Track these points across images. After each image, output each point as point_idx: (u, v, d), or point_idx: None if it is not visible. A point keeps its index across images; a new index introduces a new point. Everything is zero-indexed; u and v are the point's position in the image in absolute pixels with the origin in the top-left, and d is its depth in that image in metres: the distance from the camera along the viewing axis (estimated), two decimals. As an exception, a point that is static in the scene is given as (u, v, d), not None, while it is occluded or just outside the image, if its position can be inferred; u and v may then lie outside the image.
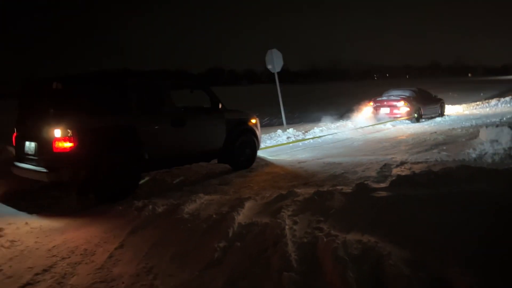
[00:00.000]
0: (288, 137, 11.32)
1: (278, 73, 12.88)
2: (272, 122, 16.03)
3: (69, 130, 5.00)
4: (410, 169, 6.00)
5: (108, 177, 5.27)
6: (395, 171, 6.01)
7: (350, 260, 2.72)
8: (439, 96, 16.96)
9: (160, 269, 3.17)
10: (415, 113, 14.63)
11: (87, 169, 5.11)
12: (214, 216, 3.95)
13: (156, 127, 5.90)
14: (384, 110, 14.85)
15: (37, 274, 3.25)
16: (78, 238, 3.98)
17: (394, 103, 14.77)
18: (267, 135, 11.37)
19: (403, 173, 5.62)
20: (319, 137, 11.40)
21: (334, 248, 2.89)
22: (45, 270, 3.31)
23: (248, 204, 4.28)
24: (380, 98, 15.48)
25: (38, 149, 5.32)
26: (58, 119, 5.10)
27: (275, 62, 12.70)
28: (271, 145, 10.20)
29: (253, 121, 7.36)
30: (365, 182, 4.80)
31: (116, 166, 5.37)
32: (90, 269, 3.28)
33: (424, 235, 3.03)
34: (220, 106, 6.81)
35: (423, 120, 15.04)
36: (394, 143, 9.66)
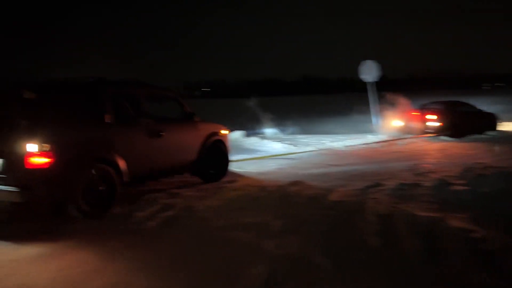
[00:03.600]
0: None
1: (377, 81, 15.02)
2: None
3: (46, 144, 4.62)
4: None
5: (86, 193, 4.99)
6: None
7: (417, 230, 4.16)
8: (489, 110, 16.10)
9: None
10: (452, 127, 13.46)
11: (65, 186, 4.79)
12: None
13: (133, 138, 5.72)
14: (415, 123, 13.81)
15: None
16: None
17: (427, 115, 13.72)
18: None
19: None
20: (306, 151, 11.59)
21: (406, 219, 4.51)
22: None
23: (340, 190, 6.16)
24: (415, 109, 14.50)
25: (7, 166, 4.78)
26: (32, 132, 4.71)
27: (369, 72, 14.79)
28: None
29: (223, 132, 7.41)
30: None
31: (95, 181, 5.11)
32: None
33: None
34: (193, 117, 6.78)
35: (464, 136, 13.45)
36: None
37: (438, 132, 13.51)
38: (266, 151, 11.91)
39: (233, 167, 7.87)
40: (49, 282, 3.41)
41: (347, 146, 12.41)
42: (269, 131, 16.38)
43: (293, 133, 16.38)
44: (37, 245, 4.25)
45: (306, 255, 3.75)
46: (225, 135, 7.41)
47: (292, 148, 12.09)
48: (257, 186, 6.65)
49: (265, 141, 13.51)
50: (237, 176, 7.61)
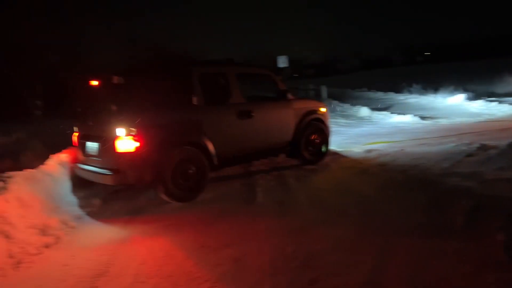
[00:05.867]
0: None
1: None
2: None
3: (134, 129, 4.61)
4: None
5: (175, 176, 4.87)
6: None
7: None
8: None
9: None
10: None
11: (154, 169, 4.71)
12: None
13: (222, 120, 5.48)
14: None
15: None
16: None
17: None
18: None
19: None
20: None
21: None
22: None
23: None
24: None
25: (101, 149, 4.92)
26: (122, 117, 4.75)
27: None
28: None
29: (322, 110, 6.84)
30: None
31: (184, 164, 4.96)
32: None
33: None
34: (287, 95, 6.33)
35: None
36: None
37: None
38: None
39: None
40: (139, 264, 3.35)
41: None
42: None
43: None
44: (129, 227, 4.28)
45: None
46: (323, 113, 6.80)
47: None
48: (342, 171, 6.04)
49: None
50: (331, 159, 6.81)
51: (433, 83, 19.38)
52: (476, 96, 14.75)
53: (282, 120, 6.23)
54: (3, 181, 4.53)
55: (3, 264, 3.37)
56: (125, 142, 4.60)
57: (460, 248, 3.13)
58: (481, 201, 3.89)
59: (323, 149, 6.67)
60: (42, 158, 5.58)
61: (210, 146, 5.20)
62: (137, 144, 4.61)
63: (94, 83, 5.53)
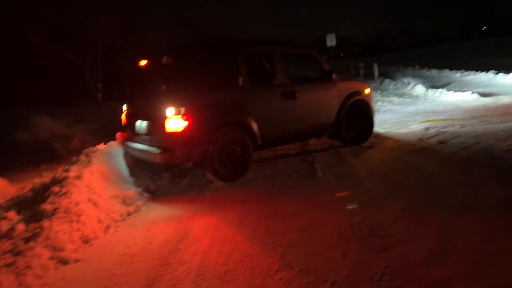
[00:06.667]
0: None
1: None
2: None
3: (183, 108, 4.73)
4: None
5: (222, 156, 5.02)
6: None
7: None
8: None
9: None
10: None
11: (201, 149, 4.84)
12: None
13: (267, 101, 5.55)
14: None
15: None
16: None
17: None
18: None
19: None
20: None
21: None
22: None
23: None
24: None
25: (150, 128, 5.07)
26: (170, 97, 4.93)
27: None
28: None
29: (367, 91, 6.78)
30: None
31: (230, 144, 5.12)
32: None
33: None
34: (332, 75, 6.33)
35: None
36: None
37: None
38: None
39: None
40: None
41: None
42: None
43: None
44: (196, 202, 4.50)
45: None
46: (368, 94, 6.73)
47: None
48: (399, 148, 6.00)
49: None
50: (383, 138, 6.82)
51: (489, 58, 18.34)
52: None
53: (325, 101, 6.22)
54: (86, 155, 4.99)
55: (95, 228, 3.79)
56: (174, 121, 4.73)
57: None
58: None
59: (368, 130, 6.63)
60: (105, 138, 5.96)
61: (255, 127, 5.28)
62: (186, 123, 4.73)
63: (144, 63, 5.74)
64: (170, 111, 4.76)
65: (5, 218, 3.80)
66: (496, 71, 15.03)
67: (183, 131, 4.76)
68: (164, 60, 5.26)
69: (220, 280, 2.80)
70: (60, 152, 7.48)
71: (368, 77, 16.21)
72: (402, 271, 2.66)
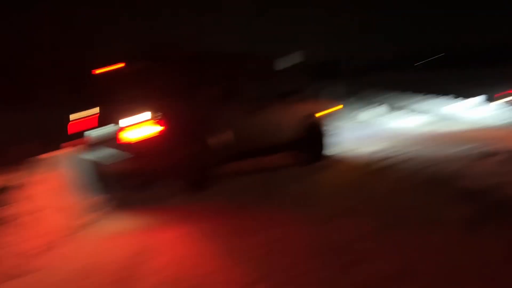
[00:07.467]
0: None
1: None
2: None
3: (157, 114, 4.71)
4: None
5: (193, 166, 5.01)
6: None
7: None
8: None
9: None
10: None
11: (173, 157, 4.82)
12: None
13: (239, 113, 5.61)
14: None
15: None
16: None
17: None
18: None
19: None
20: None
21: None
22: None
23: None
24: None
25: (115, 134, 4.93)
26: (142, 102, 4.84)
27: None
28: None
29: (329, 111, 6.97)
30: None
31: (202, 154, 5.11)
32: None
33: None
34: (297, 93, 6.50)
35: None
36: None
37: None
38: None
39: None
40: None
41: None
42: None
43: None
44: (157, 214, 4.45)
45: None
46: (329, 113, 6.94)
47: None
48: (355, 169, 6.23)
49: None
50: (340, 159, 7.02)
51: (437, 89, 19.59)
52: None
53: (289, 117, 6.34)
54: (39, 164, 4.69)
55: (42, 242, 3.55)
56: (147, 127, 4.68)
57: (481, 241, 3.33)
58: (499, 198, 4.12)
59: (329, 148, 6.83)
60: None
61: (225, 138, 5.31)
62: (156, 130, 4.70)
63: (117, 67, 5.57)
64: (143, 116, 4.67)
65: None
66: (446, 99, 15.95)
67: (155, 137, 4.69)
68: (141, 64, 5.16)
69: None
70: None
71: (333, 96, 16.61)
72: (367, 288, 2.70)
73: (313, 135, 6.66)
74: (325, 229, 3.71)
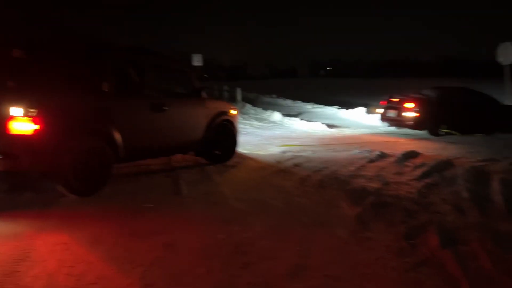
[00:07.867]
0: None
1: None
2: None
3: (33, 109, 4.15)
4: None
5: (77, 167, 4.49)
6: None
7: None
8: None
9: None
10: (434, 122, 10.75)
11: (52, 157, 4.29)
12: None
13: (134, 111, 5.24)
14: (391, 113, 11.29)
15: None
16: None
17: (404, 104, 10.88)
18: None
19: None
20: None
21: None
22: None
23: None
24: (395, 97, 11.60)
25: None
26: (18, 95, 4.31)
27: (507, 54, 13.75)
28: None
29: (233, 112, 6.93)
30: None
31: (86, 154, 4.62)
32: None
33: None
34: (202, 93, 6.33)
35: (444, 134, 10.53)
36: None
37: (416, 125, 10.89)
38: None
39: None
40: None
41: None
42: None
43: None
44: (28, 221, 3.88)
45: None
46: (234, 115, 6.89)
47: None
48: (261, 169, 6.31)
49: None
50: (246, 159, 7.06)
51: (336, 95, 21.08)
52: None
53: (194, 117, 6.19)
54: None
55: None
56: (22, 123, 4.15)
57: (369, 237, 3.57)
58: (385, 198, 4.48)
59: (232, 150, 6.79)
60: None
61: (117, 137, 4.87)
62: (36, 127, 4.18)
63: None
64: (16, 111, 4.14)
65: None
66: (339, 107, 17.28)
67: (31, 135, 4.17)
68: (16, 53, 4.61)
69: (69, 306, 2.46)
70: None
71: (231, 100, 16.85)
72: (264, 286, 2.70)
73: (221, 135, 6.63)
74: (229, 229, 3.67)
